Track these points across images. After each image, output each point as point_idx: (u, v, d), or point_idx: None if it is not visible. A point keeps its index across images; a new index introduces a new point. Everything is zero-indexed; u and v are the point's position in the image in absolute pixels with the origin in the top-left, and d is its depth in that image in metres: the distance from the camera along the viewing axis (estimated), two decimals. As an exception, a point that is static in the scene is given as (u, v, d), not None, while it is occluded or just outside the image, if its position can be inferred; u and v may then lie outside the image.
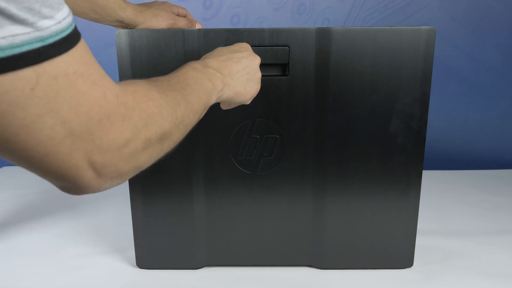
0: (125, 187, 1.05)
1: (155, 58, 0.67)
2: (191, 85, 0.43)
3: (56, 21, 0.27)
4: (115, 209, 1.04)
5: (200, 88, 0.44)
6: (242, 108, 0.69)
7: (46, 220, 0.99)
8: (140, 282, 0.75)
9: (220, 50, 0.54)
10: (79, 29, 0.31)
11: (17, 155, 0.28)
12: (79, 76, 0.29)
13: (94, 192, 0.33)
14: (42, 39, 0.26)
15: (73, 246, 0.87)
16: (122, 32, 0.66)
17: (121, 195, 1.10)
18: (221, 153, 0.72)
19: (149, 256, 0.78)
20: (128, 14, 0.69)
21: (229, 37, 0.67)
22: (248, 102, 0.56)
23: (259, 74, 0.56)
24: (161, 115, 0.36)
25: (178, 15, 0.75)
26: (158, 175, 0.73)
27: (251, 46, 0.61)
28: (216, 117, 0.70)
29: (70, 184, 0.31)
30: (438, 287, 0.74)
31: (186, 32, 0.67)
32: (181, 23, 0.74)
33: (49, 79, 0.27)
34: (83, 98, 0.29)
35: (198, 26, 0.79)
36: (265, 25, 1.43)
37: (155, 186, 0.74)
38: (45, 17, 0.26)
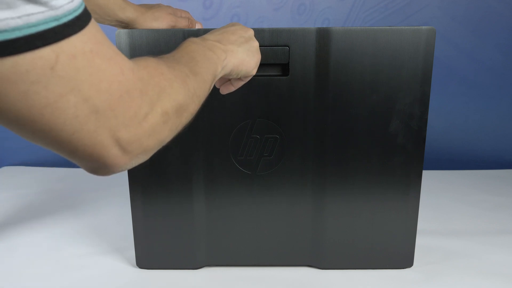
0: (125, 187, 1.05)
1: (155, 58, 0.67)
2: (195, 57, 0.44)
3: (68, 0, 0.28)
4: (115, 209, 1.04)
5: (204, 59, 0.45)
6: (242, 108, 0.70)
7: (46, 220, 0.99)
8: (140, 282, 0.75)
9: (213, 30, 0.55)
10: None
11: (45, 135, 0.29)
12: (96, 54, 0.29)
13: (121, 170, 0.34)
14: (56, 18, 0.27)
15: (73, 246, 0.87)
16: (122, 32, 0.66)
17: (121, 195, 1.10)
18: (221, 153, 0.72)
19: (149, 256, 0.78)
20: (128, 15, 0.69)
21: (229, 37, 0.67)
22: (254, 72, 0.56)
23: (256, 43, 0.56)
24: (172, 88, 0.37)
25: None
26: (158, 175, 0.73)
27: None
28: (216, 117, 0.70)
29: (97, 163, 0.32)
30: (438, 287, 0.74)
31: (186, 32, 0.67)
32: (182, 25, 0.74)
33: (68, 58, 0.27)
34: (103, 75, 0.29)
35: (198, 26, 0.79)
36: (265, 25, 1.43)
37: (155, 186, 0.74)
38: None
